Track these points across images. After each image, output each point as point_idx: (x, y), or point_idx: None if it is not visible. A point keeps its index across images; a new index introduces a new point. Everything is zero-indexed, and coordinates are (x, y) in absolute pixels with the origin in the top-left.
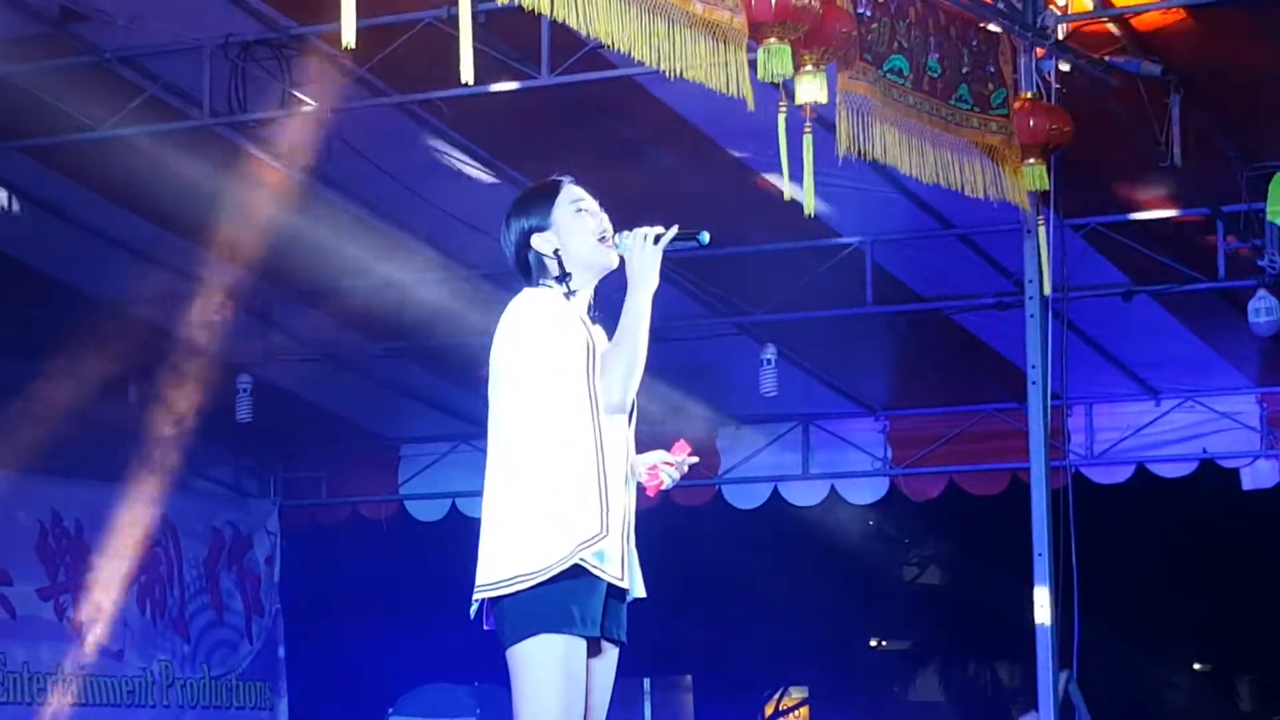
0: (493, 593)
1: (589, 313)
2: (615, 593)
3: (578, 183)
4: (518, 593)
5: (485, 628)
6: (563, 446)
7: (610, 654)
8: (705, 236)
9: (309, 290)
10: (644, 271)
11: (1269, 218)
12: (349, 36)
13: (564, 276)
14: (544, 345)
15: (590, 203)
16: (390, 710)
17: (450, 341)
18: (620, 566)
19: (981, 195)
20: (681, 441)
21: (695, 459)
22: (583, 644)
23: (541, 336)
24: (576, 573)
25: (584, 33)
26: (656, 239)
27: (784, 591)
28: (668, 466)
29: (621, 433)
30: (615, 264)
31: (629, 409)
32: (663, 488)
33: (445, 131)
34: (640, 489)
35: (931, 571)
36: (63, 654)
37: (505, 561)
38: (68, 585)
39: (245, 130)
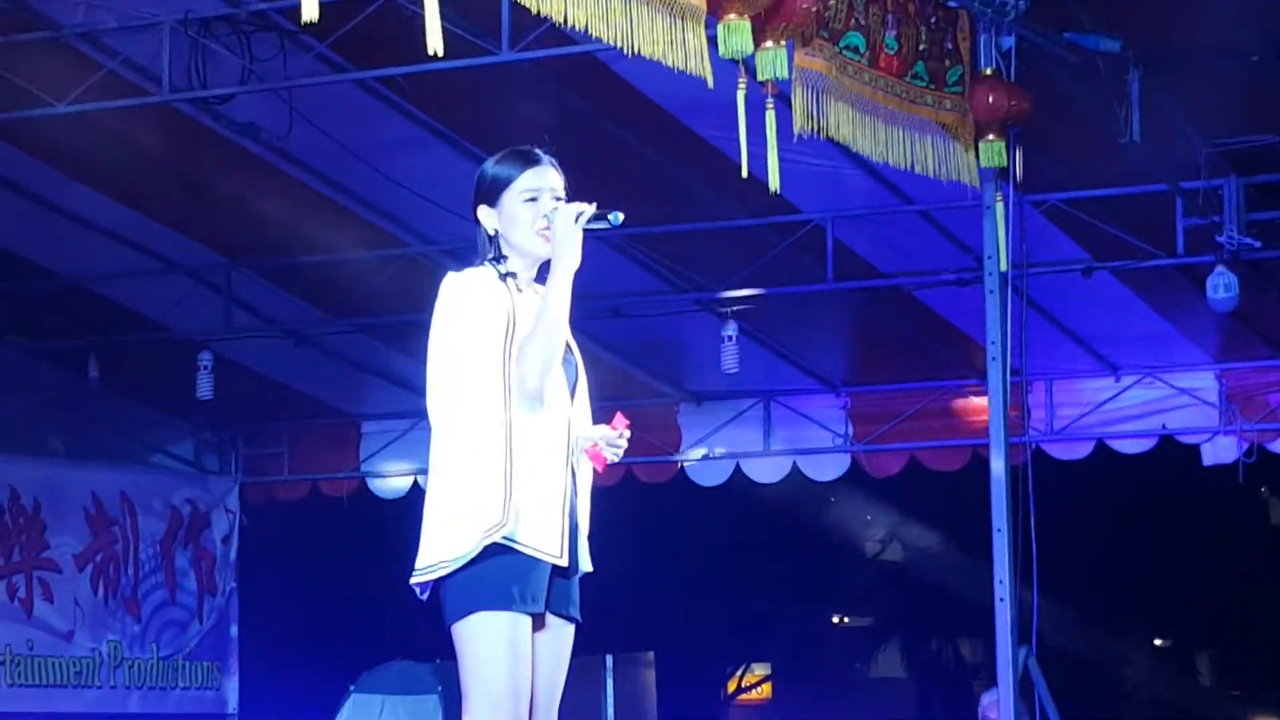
0: (419, 578)
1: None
2: (559, 570)
3: (556, 162)
4: (454, 577)
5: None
6: (474, 434)
7: (563, 631)
8: (618, 217)
9: (270, 266)
10: (564, 249)
11: None
12: (310, 12)
13: (498, 259)
14: (457, 333)
15: (546, 193)
16: (351, 688)
17: (412, 318)
18: (558, 544)
19: (932, 174)
20: (619, 415)
21: (628, 432)
22: (526, 620)
23: (458, 322)
24: (508, 551)
25: (538, 11)
26: (578, 217)
27: (746, 568)
28: (610, 447)
29: (561, 411)
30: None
31: (571, 388)
32: (608, 463)
33: (405, 108)
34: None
35: (893, 548)
36: (12, 635)
37: (430, 549)
38: (21, 565)
39: (205, 106)
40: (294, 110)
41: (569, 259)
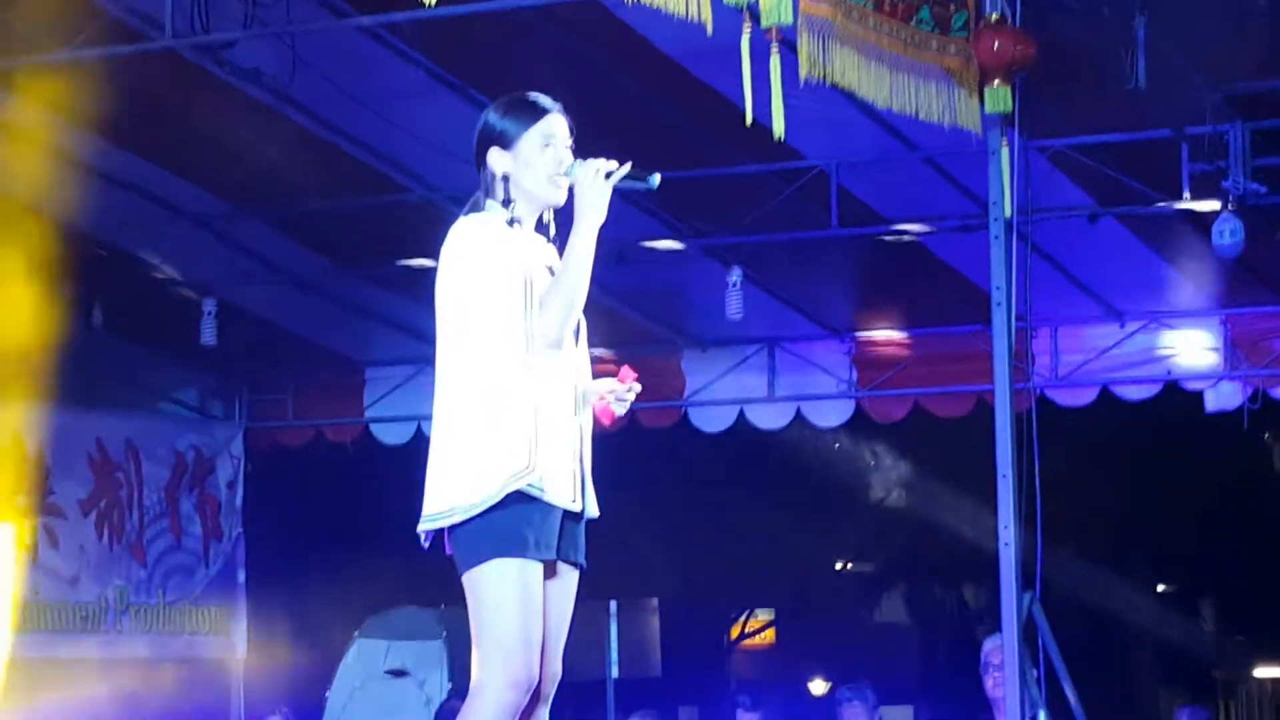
0: (431, 525)
1: (542, 229)
2: (570, 516)
3: (565, 111)
4: (467, 523)
5: (448, 553)
6: (495, 382)
7: (569, 577)
8: (655, 179)
9: (274, 213)
10: (592, 205)
11: None
12: None
13: (507, 202)
14: (478, 280)
15: (561, 141)
16: (356, 633)
17: (416, 264)
18: (573, 490)
19: (937, 119)
20: (626, 368)
21: (638, 387)
22: (538, 567)
23: (476, 271)
24: (526, 499)
25: None
26: (608, 175)
27: (750, 514)
28: (619, 401)
29: (569, 358)
30: (563, 201)
31: (576, 333)
32: (617, 416)
33: (409, 53)
34: (596, 419)
35: (897, 494)
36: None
37: (443, 495)
38: (26, 511)
39: (208, 52)
40: (297, 56)
41: (595, 215)
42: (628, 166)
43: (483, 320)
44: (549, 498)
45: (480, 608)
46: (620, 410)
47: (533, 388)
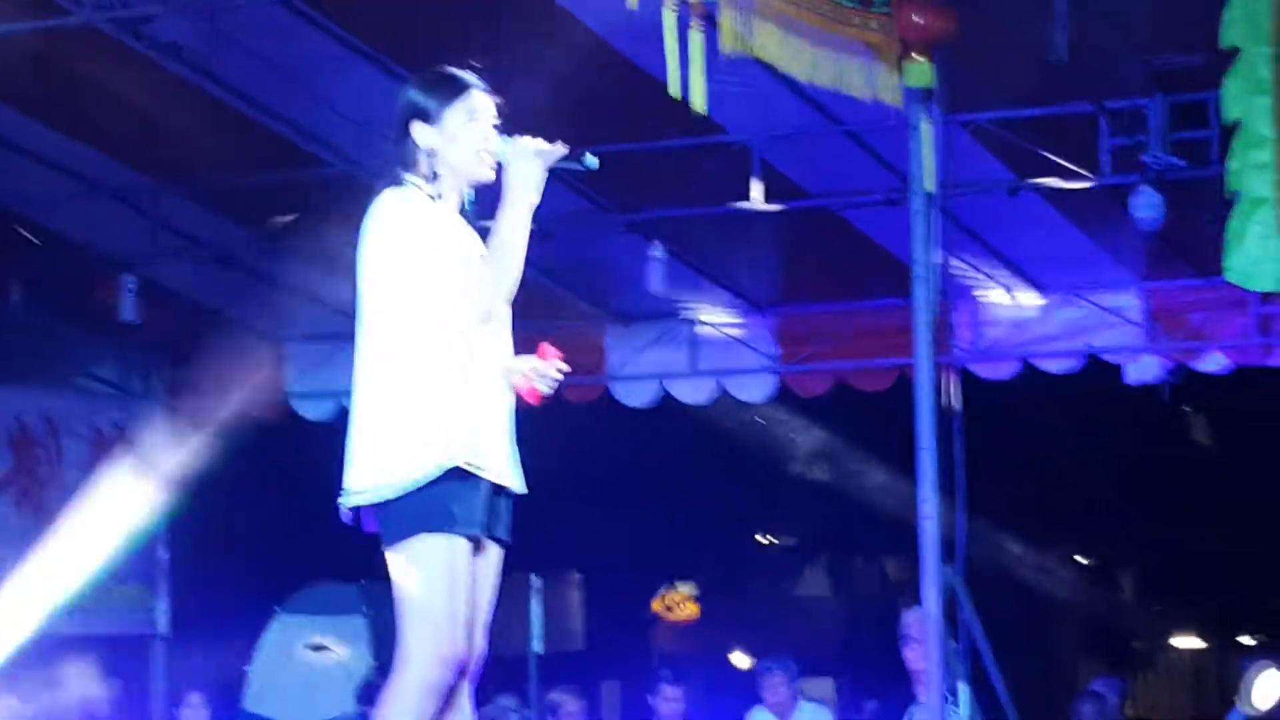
0: (359, 500)
1: (461, 212)
2: (498, 491)
3: (489, 88)
4: (396, 498)
5: (364, 530)
6: (425, 357)
7: (493, 552)
8: (593, 160)
9: (195, 188)
10: (523, 184)
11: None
12: None
13: (433, 177)
14: (404, 253)
15: (487, 115)
16: (278, 609)
17: (336, 239)
18: (502, 465)
19: (858, 94)
20: (546, 344)
21: (565, 367)
22: (465, 543)
23: (402, 243)
24: (456, 474)
25: None
26: (543, 154)
27: (673, 489)
28: (544, 380)
29: (499, 330)
30: (491, 179)
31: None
32: (543, 395)
33: (329, 26)
34: (521, 397)
35: (820, 467)
36: None
37: (374, 469)
38: None
39: (128, 26)
40: (217, 30)
41: (527, 194)
42: (562, 148)
43: (410, 294)
44: (480, 471)
45: (407, 584)
46: (546, 389)
47: (463, 363)
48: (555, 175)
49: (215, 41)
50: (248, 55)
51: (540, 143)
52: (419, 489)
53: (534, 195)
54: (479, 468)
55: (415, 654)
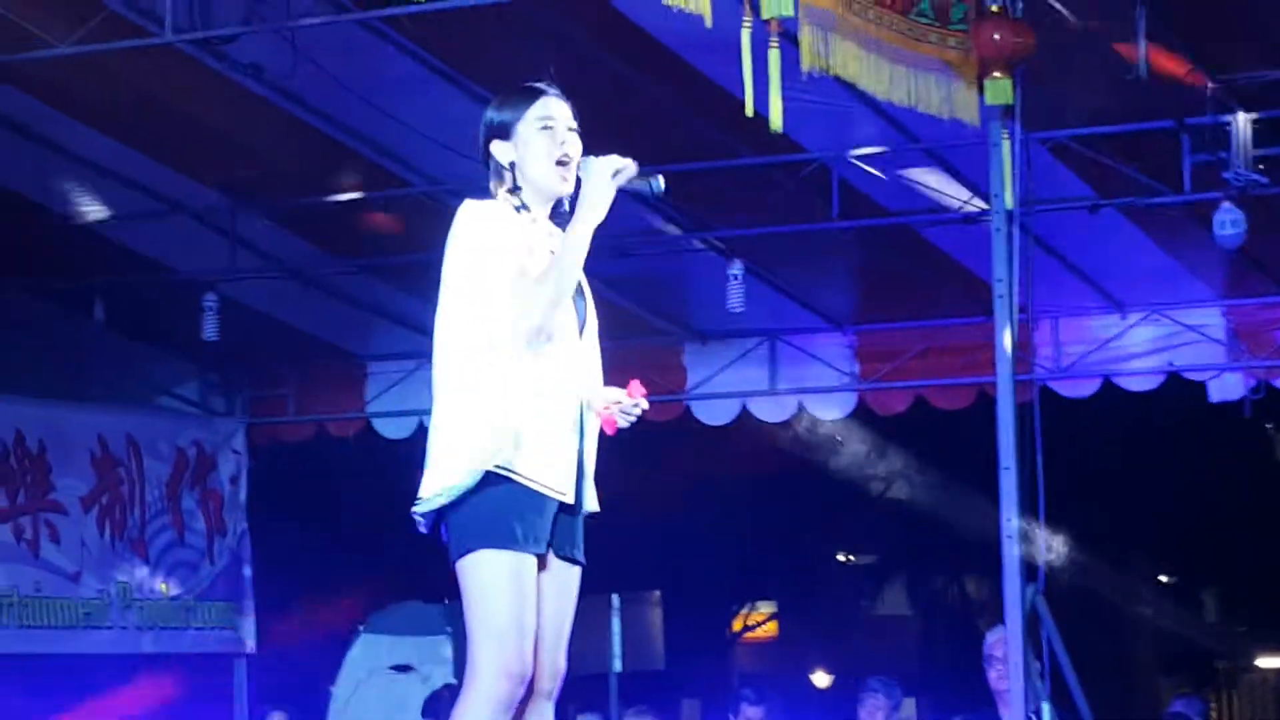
0: (422, 508)
1: (559, 220)
2: (566, 509)
3: (563, 94)
4: (459, 509)
5: (445, 540)
6: (480, 365)
7: (568, 573)
8: (660, 183)
9: (275, 207)
10: (593, 201)
11: None
12: None
13: (514, 189)
14: (471, 260)
15: (561, 121)
16: (361, 628)
17: (416, 257)
18: (565, 481)
19: (935, 111)
20: (636, 382)
21: (646, 404)
22: (529, 559)
23: (470, 251)
24: (516, 488)
25: None
26: (615, 173)
27: (752, 507)
28: (623, 414)
29: (569, 347)
30: (569, 191)
31: (580, 325)
32: (620, 426)
33: (409, 47)
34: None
35: (899, 486)
36: (19, 577)
37: (429, 478)
38: (27, 507)
39: (208, 47)
40: (297, 50)
41: (595, 211)
42: (633, 166)
43: (472, 300)
44: (540, 486)
45: (471, 596)
46: (624, 423)
47: (519, 373)
48: (630, 195)
49: (295, 62)
50: (328, 75)
51: (615, 160)
52: (471, 498)
53: (598, 213)
54: (529, 478)
55: (481, 668)
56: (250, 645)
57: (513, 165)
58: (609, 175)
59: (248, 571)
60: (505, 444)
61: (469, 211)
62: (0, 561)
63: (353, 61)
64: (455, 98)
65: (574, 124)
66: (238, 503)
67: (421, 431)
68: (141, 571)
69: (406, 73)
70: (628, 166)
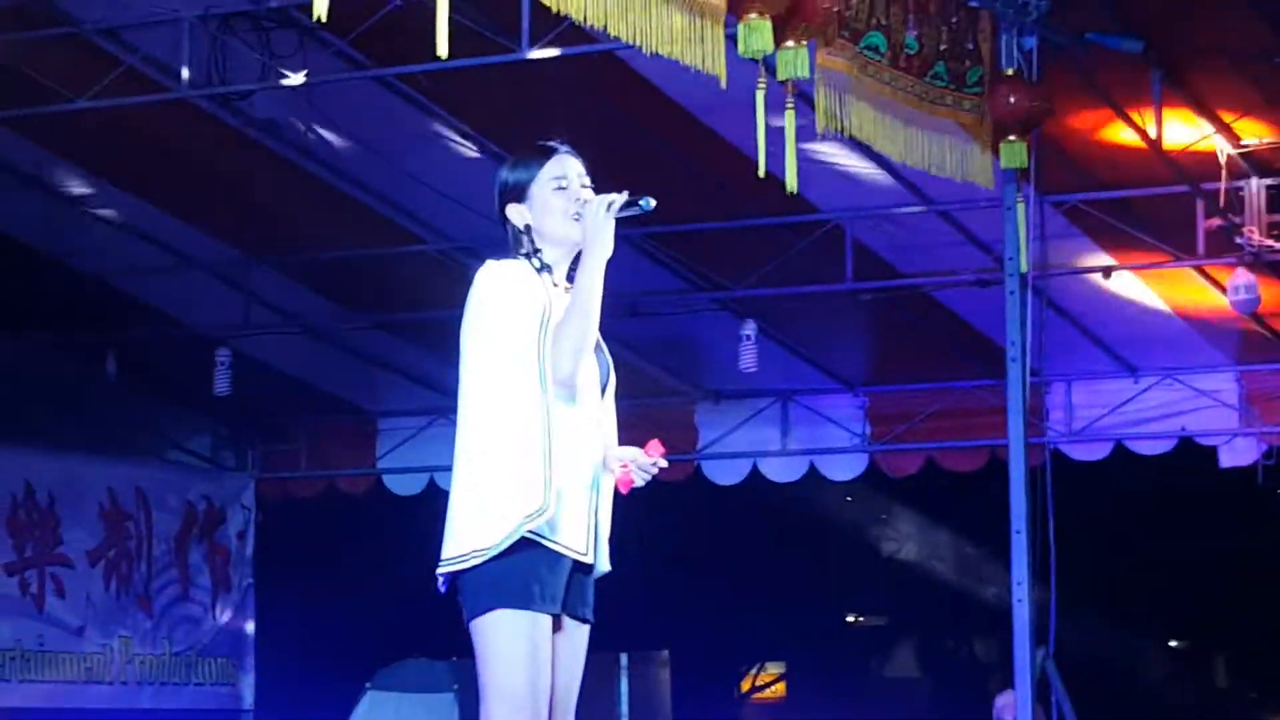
0: (450, 568)
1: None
2: (580, 568)
3: (574, 151)
4: (476, 568)
5: (459, 599)
6: (509, 423)
7: (577, 632)
8: (649, 202)
9: (288, 262)
10: (595, 237)
11: None
12: (320, 9)
13: (533, 253)
14: (495, 320)
15: (574, 179)
16: (368, 685)
17: (429, 315)
18: (584, 541)
19: (949, 174)
20: (655, 442)
21: (665, 463)
22: (545, 620)
23: (494, 311)
24: (535, 547)
25: (558, 9)
26: (609, 207)
27: (762, 567)
28: (640, 471)
29: (591, 407)
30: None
31: (602, 385)
32: (634, 485)
33: (425, 104)
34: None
35: (909, 548)
36: (23, 630)
37: (459, 538)
38: (34, 561)
39: (225, 103)
40: (314, 106)
41: (600, 248)
42: (623, 196)
43: (502, 358)
44: (559, 546)
45: (487, 658)
46: (640, 482)
47: (547, 430)
48: (647, 253)
49: (311, 118)
50: (343, 132)
51: (610, 196)
52: (494, 561)
53: (604, 249)
54: (559, 542)
55: None
56: (249, 702)
57: (529, 228)
58: (604, 210)
59: (250, 628)
60: (537, 505)
61: (490, 271)
62: (5, 615)
63: (368, 118)
64: (470, 156)
65: (587, 180)
66: (244, 558)
67: (433, 488)
68: (145, 626)
69: (422, 130)
70: (618, 198)
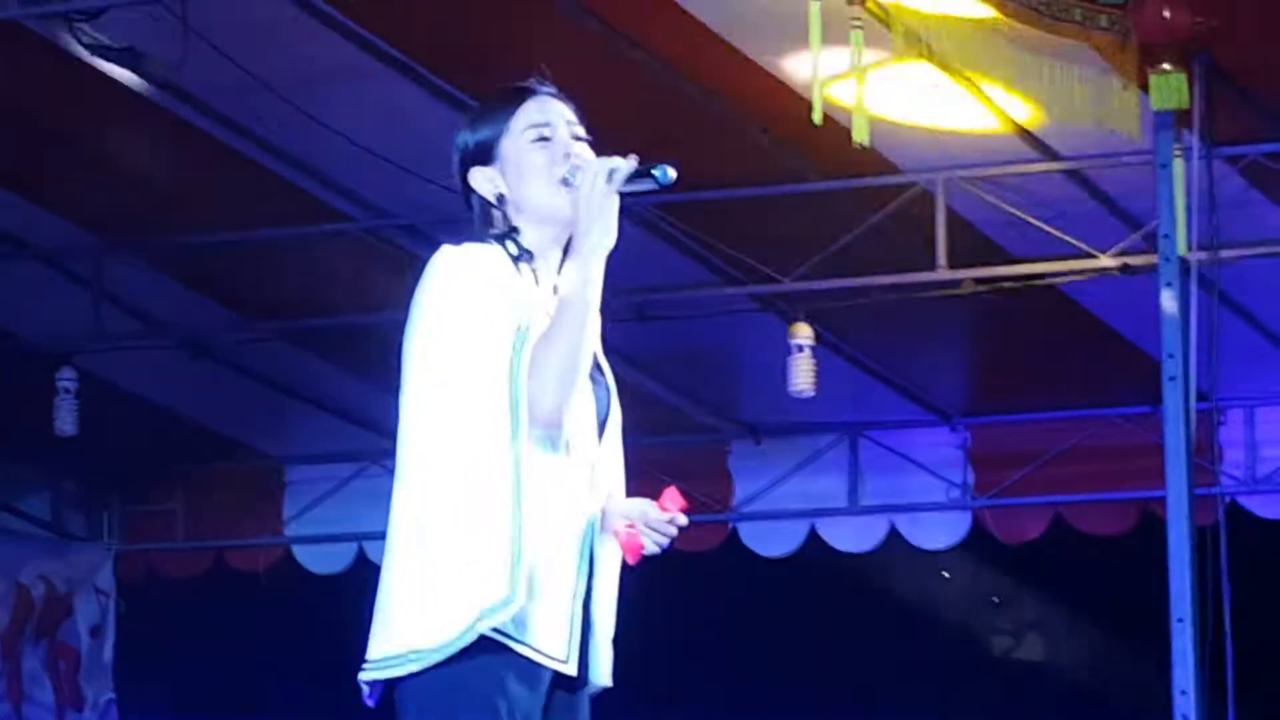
0: (379, 673)
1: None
2: (564, 681)
3: (561, 93)
4: (417, 676)
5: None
6: (466, 477)
7: None
8: (669, 173)
9: (156, 248)
10: (591, 216)
11: None
12: None
13: (508, 233)
14: (452, 332)
15: (561, 127)
16: None
17: (355, 320)
18: (563, 643)
19: (1079, 118)
20: (672, 490)
21: (685, 520)
22: None
23: (450, 319)
24: (499, 651)
25: None
26: (611, 175)
27: (825, 665)
28: (653, 533)
29: (584, 453)
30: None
31: (601, 422)
32: (644, 552)
33: (349, 27)
34: (620, 552)
35: (1032, 642)
36: None
37: (393, 633)
38: None
39: (68, 24)
40: (190, 30)
41: (598, 235)
42: (629, 161)
43: (452, 389)
44: (531, 651)
45: None
46: (653, 548)
47: (517, 488)
48: (659, 233)
49: (187, 45)
50: (231, 64)
51: (611, 161)
52: (449, 665)
53: (604, 235)
54: (528, 645)
55: None
56: None
57: (501, 199)
58: (603, 179)
59: None
60: (499, 596)
61: (445, 261)
62: None
63: (266, 46)
64: (412, 96)
65: (580, 129)
66: (101, 664)
67: (361, 562)
68: None
69: (343, 62)
70: (624, 164)
